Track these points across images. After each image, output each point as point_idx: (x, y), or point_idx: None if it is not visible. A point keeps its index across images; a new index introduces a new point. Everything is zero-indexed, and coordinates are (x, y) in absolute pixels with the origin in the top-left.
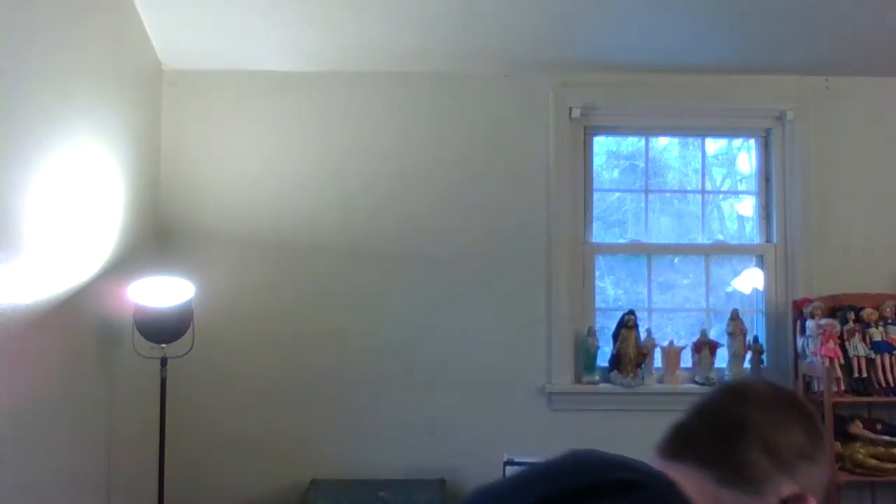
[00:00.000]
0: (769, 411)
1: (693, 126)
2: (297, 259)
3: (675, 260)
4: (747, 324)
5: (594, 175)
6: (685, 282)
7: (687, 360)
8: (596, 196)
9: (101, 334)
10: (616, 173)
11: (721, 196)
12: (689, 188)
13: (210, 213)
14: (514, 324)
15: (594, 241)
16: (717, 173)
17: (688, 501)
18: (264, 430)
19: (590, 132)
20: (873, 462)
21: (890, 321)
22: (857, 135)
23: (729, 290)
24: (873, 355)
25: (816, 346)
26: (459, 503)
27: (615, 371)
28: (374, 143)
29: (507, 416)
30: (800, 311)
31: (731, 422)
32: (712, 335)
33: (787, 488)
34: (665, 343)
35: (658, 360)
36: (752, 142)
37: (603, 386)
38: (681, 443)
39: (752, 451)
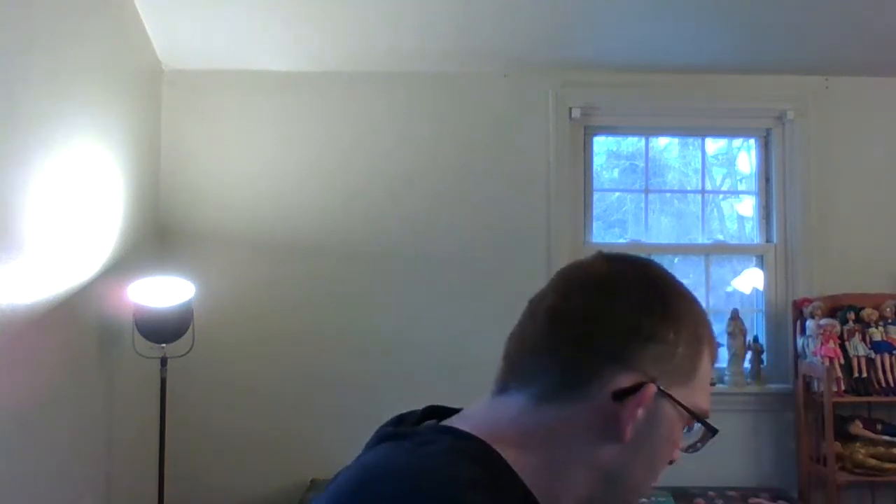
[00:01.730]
0: (591, 292)
1: (693, 126)
2: (297, 259)
3: (675, 260)
4: (747, 324)
5: (594, 175)
6: (685, 282)
7: None
8: (596, 196)
9: (101, 334)
10: (616, 173)
11: (721, 196)
12: (689, 188)
13: (210, 213)
14: (514, 323)
15: (594, 241)
16: (717, 173)
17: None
18: (264, 430)
19: (590, 132)
20: (873, 462)
21: (890, 321)
22: (857, 135)
23: (729, 290)
24: (873, 355)
25: (816, 346)
26: None
27: None
28: (374, 143)
29: None
30: (800, 311)
31: (546, 316)
32: None
33: (620, 380)
34: None
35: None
36: (752, 142)
37: None
38: (506, 365)
39: (568, 345)
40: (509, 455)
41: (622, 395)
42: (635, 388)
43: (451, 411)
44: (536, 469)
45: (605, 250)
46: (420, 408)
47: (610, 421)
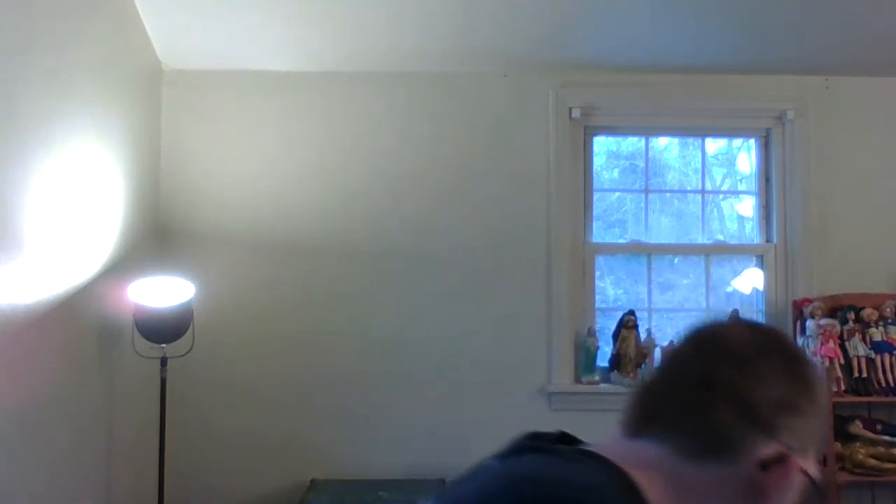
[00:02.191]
0: (742, 361)
1: (693, 126)
2: (297, 259)
3: (675, 260)
4: None
5: (594, 175)
6: (685, 282)
7: None
8: (596, 196)
9: (101, 334)
10: (616, 173)
11: (721, 196)
12: (689, 188)
13: (210, 213)
14: (514, 324)
15: (594, 241)
16: (717, 173)
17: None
18: (264, 430)
19: (590, 132)
20: (873, 462)
21: (890, 321)
22: (857, 135)
23: (729, 290)
24: (873, 355)
25: (816, 346)
26: None
27: (615, 371)
28: (374, 143)
29: (508, 416)
30: (800, 311)
31: (695, 380)
32: None
33: (765, 450)
34: (665, 343)
35: (658, 361)
36: (752, 142)
37: (603, 386)
38: (642, 412)
39: (720, 412)
40: (651, 498)
41: (767, 465)
42: (780, 459)
43: (580, 441)
44: None
45: (741, 316)
46: (518, 435)
47: (754, 489)
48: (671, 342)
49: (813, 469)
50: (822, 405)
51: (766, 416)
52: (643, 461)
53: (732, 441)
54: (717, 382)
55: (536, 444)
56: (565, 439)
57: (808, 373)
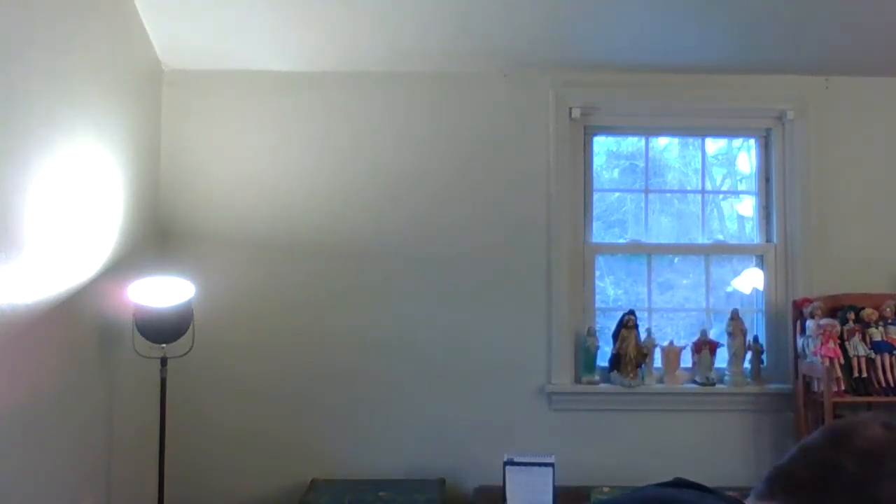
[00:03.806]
0: (869, 459)
1: (693, 126)
2: (296, 259)
3: (675, 260)
4: (747, 324)
5: (594, 175)
6: (685, 282)
7: (687, 360)
8: (596, 196)
9: (101, 334)
10: (616, 173)
11: (721, 196)
12: (689, 188)
13: (210, 214)
14: (514, 324)
15: (594, 241)
16: (717, 173)
17: None
18: (264, 430)
19: (590, 132)
20: None
21: (890, 321)
22: (857, 135)
23: (729, 290)
24: (873, 355)
25: (816, 346)
26: None
27: (615, 371)
28: (374, 142)
29: (507, 416)
30: (800, 311)
31: (824, 465)
32: (712, 335)
33: None
34: (665, 343)
35: (658, 360)
36: (752, 142)
37: (603, 386)
38: (775, 481)
39: (840, 500)
40: None
41: None
42: None
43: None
44: None
45: (884, 418)
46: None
47: None
48: (671, 343)
49: None
50: None
51: None
52: None
53: None
54: (841, 471)
55: (695, 483)
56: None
57: None
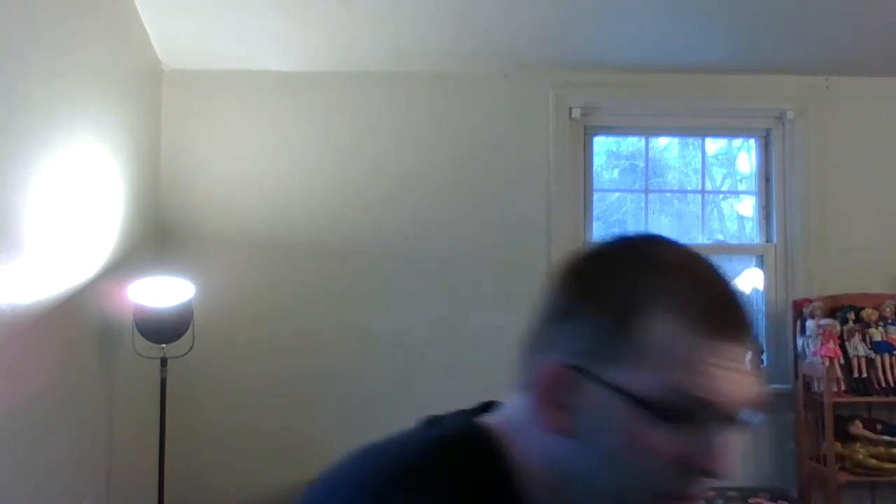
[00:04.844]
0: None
1: (693, 126)
2: (296, 259)
3: None
4: None
5: (594, 175)
6: None
7: None
8: (596, 196)
9: (101, 334)
10: (616, 173)
11: (721, 196)
12: (689, 188)
13: (210, 213)
14: (515, 324)
15: (594, 241)
16: (717, 173)
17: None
18: (264, 430)
19: (590, 132)
20: (873, 462)
21: (890, 321)
22: (857, 135)
23: None
24: (873, 355)
25: (816, 346)
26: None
27: None
28: (374, 142)
29: None
30: (800, 311)
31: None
32: None
33: (541, 366)
34: None
35: None
36: (752, 142)
37: None
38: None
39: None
40: (512, 448)
41: (539, 382)
42: (554, 370)
43: None
44: (525, 461)
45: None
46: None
47: (536, 411)
48: None
49: (645, 380)
50: (623, 301)
51: (541, 330)
52: (507, 412)
53: (523, 363)
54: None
55: (434, 416)
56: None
57: (592, 270)
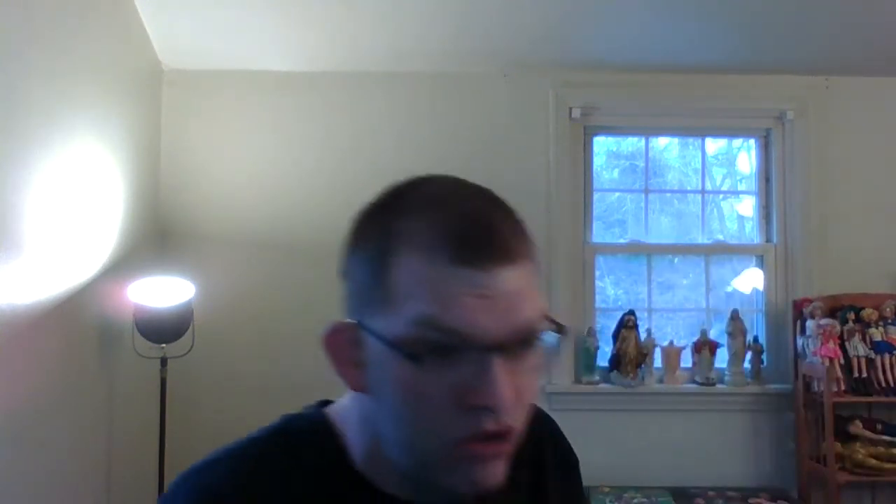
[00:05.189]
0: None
1: (693, 126)
2: (297, 259)
3: (675, 260)
4: (747, 324)
5: (594, 175)
6: (685, 282)
7: (687, 360)
8: (596, 196)
9: (101, 334)
10: (616, 173)
11: (721, 196)
12: (689, 188)
13: (210, 213)
14: None
15: (594, 241)
16: (717, 173)
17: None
18: None
19: (590, 132)
20: (873, 462)
21: (890, 321)
22: (857, 135)
23: (729, 290)
24: (873, 355)
25: (816, 346)
26: None
27: (615, 371)
28: (374, 142)
29: None
30: (800, 311)
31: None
32: (712, 335)
33: (328, 327)
34: (665, 343)
35: (658, 360)
36: (752, 142)
37: (603, 386)
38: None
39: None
40: (348, 426)
41: (327, 343)
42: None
43: None
44: (358, 435)
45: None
46: None
47: (336, 373)
48: (671, 343)
49: (398, 324)
50: (377, 247)
51: (350, 292)
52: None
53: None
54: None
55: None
56: None
57: (355, 225)
